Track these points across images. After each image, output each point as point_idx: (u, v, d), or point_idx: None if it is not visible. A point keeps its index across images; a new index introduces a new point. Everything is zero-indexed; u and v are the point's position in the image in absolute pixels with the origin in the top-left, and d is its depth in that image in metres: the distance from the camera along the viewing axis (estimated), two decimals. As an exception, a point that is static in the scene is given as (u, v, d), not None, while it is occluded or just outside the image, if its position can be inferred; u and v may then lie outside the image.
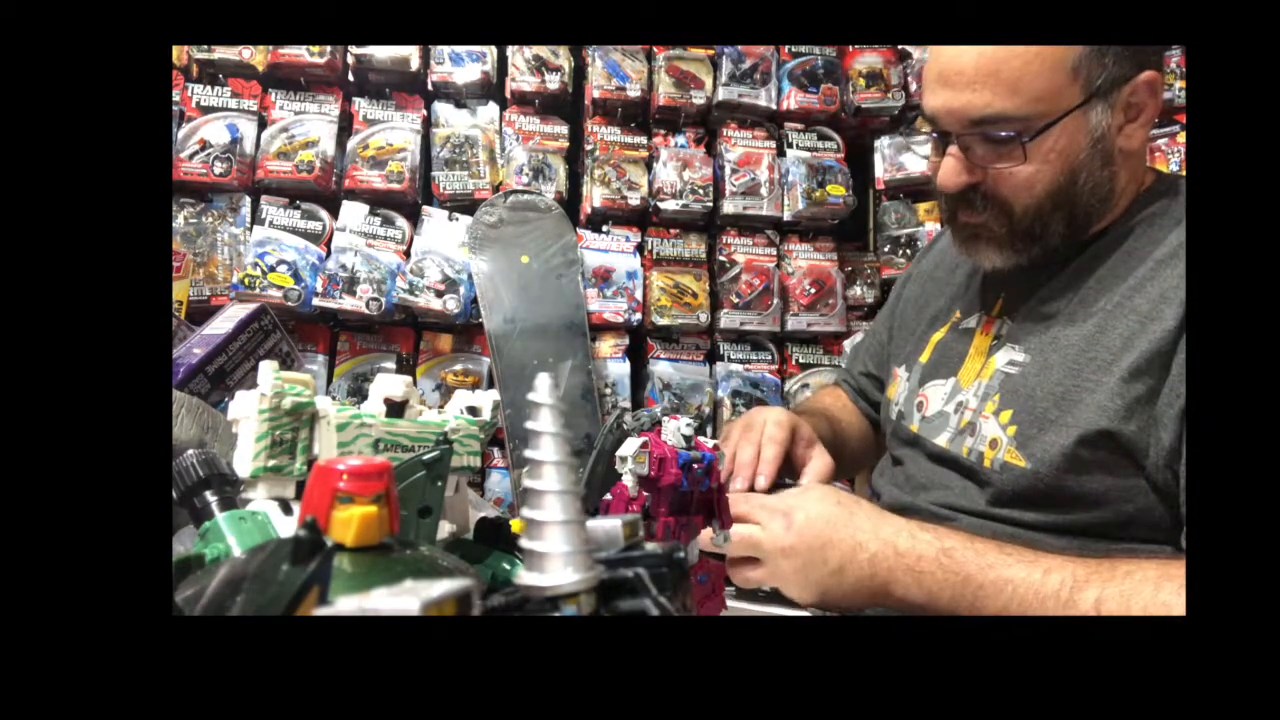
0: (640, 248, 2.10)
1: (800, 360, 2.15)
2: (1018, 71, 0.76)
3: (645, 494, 0.81)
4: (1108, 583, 0.63)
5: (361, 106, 2.03)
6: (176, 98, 1.94)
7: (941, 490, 0.87)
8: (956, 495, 0.85)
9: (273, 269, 1.88)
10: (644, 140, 2.12)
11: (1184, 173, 1.79)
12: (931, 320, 0.99)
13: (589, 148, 2.11)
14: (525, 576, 0.35)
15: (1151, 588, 0.62)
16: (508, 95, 2.09)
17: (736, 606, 0.91)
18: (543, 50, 2.06)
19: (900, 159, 2.19)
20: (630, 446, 0.81)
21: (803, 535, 0.71)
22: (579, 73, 2.13)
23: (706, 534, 0.90)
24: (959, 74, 0.79)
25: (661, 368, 2.09)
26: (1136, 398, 0.70)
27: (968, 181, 0.80)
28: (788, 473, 0.92)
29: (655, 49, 2.11)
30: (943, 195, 0.84)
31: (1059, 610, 0.64)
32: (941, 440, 0.88)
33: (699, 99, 2.10)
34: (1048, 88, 0.75)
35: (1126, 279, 0.76)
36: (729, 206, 2.09)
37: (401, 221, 2.01)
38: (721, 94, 2.10)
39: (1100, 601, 0.63)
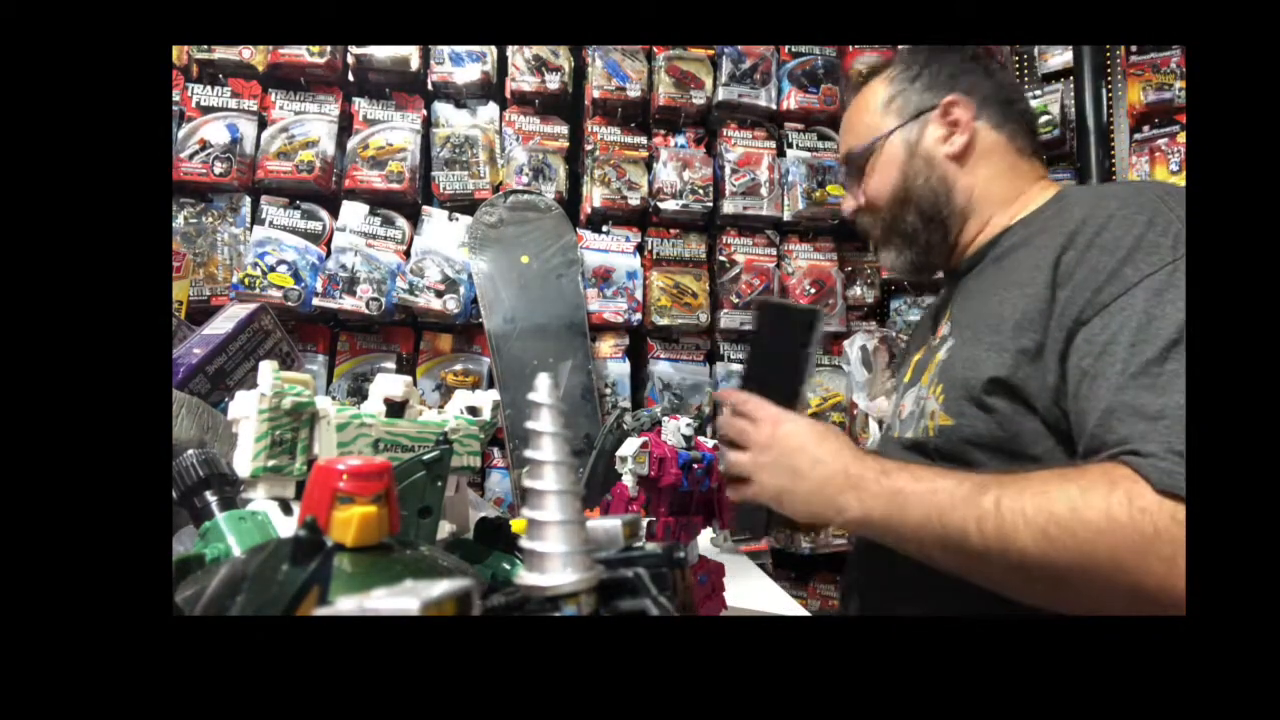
0: (640, 248, 2.10)
1: (800, 360, 2.15)
2: (855, 118, 1.09)
3: (645, 493, 0.81)
4: (1006, 486, 0.74)
5: (361, 106, 2.03)
6: (176, 98, 1.94)
7: None
8: None
9: (273, 269, 1.88)
10: (644, 140, 2.12)
11: (1184, 176, 1.80)
12: (914, 348, 1.15)
13: (589, 148, 2.11)
14: (525, 576, 0.35)
15: (1039, 483, 0.73)
16: (508, 95, 2.09)
17: (736, 608, 0.91)
18: (543, 50, 2.06)
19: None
20: (630, 446, 0.81)
21: (780, 440, 0.86)
22: (579, 73, 2.13)
23: (707, 534, 0.90)
24: (839, 134, 1.14)
25: (661, 368, 2.09)
26: (1021, 349, 0.84)
27: (853, 206, 1.10)
28: None
29: (655, 49, 2.11)
30: (855, 226, 1.13)
31: (965, 508, 0.75)
32: (909, 433, 1.01)
33: (699, 99, 2.10)
34: (871, 123, 1.06)
35: (1021, 264, 0.93)
36: (729, 206, 2.09)
37: (401, 221, 2.01)
38: (721, 94, 2.10)
39: (999, 499, 0.74)
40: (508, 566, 0.60)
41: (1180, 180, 1.81)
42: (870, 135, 1.06)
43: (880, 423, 1.95)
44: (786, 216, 2.13)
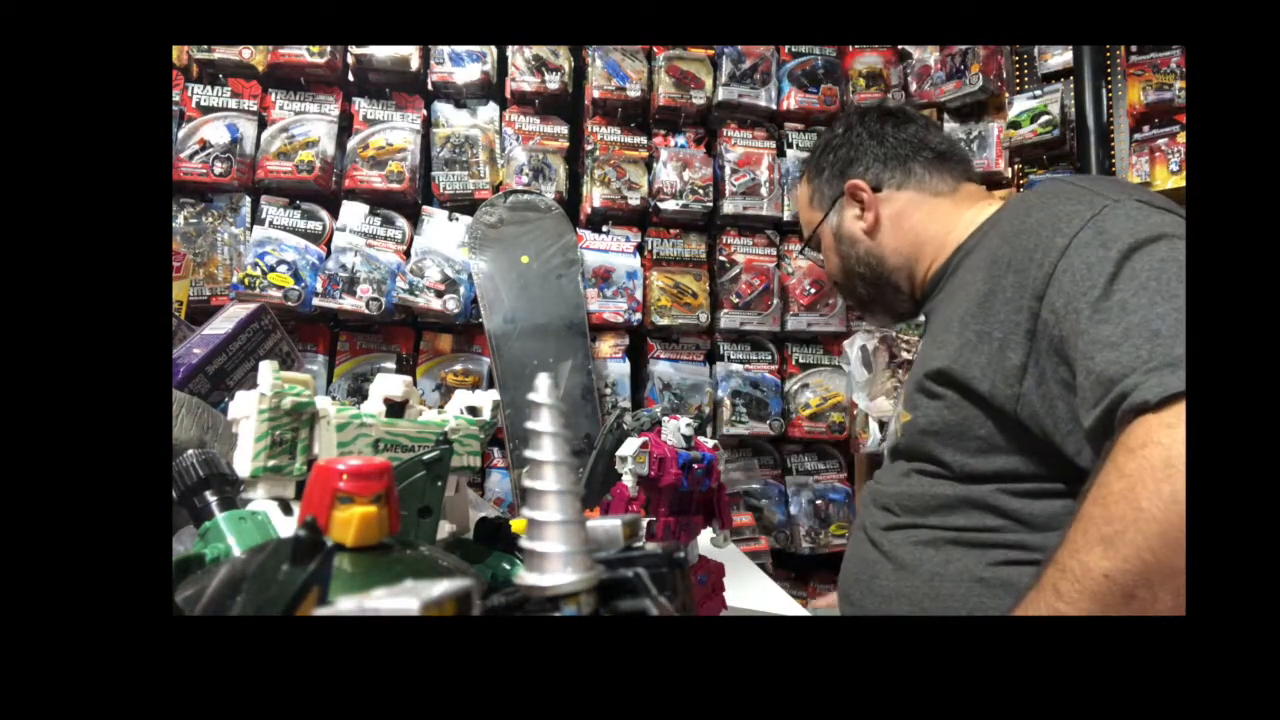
0: (640, 248, 2.10)
1: (800, 360, 2.15)
2: (800, 215, 1.30)
3: (645, 493, 0.81)
4: (1049, 561, 0.75)
5: (361, 106, 2.03)
6: (176, 98, 1.94)
7: (887, 474, 1.06)
8: (891, 471, 1.05)
9: (273, 269, 1.88)
10: (644, 140, 2.12)
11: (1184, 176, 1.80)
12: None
13: (589, 148, 2.11)
14: (525, 576, 0.35)
15: (1072, 526, 0.73)
16: (508, 95, 2.09)
17: (736, 608, 0.91)
18: (543, 50, 2.06)
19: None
20: (630, 446, 0.81)
21: None
22: (579, 73, 2.13)
23: (707, 534, 0.90)
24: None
25: (661, 368, 2.09)
26: (965, 342, 0.92)
27: (828, 281, 1.36)
28: None
29: (655, 49, 2.11)
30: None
31: (1037, 601, 0.75)
32: (890, 443, 1.09)
33: (699, 99, 2.10)
34: (807, 219, 1.27)
35: (967, 272, 1.02)
36: (729, 206, 2.09)
37: (401, 221, 2.01)
38: (721, 94, 2.10)
39: (1050, 568, 0.74)
40: (508, 566, 0.60)
41: (1180, 180, 1.81)
42: (808, 229, 1.25)
43: (880, 423, 1.96)
44: (786, 216, 2.13)
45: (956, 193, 1.13)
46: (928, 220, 1.12)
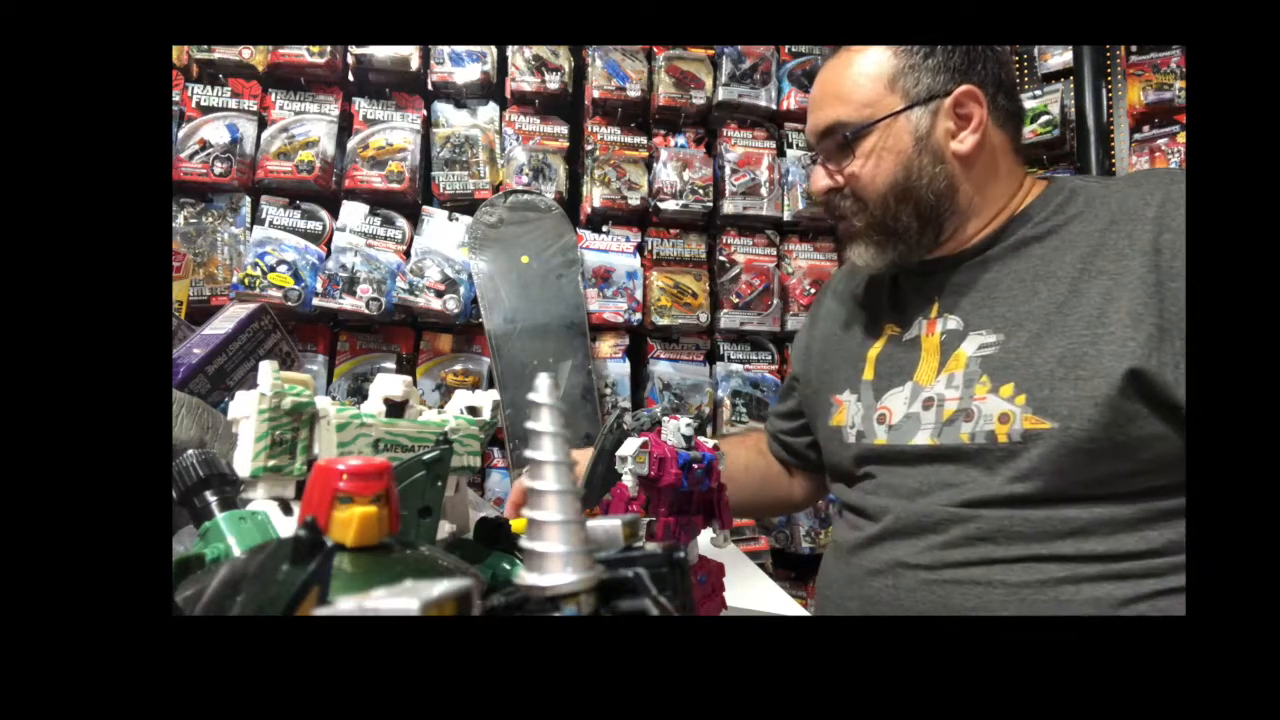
0: (640, 248, 2.10)
1: (800, 360, 2.15)
2: (846, 86, 0.93)
3: (645, 493, 0.81)
4: None
5: (361, 106, 2.03)
6: (176, 98, 1.94)
7: (949, 490, 0.86)
8: (970, 489, 0.84)
9: (273, 269, 1.88)
10: (644, 140, 2.12)
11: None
12: (861, 342, 1.02)
13: (589, 148, 2.11)
14: (525, 576, 0.35)
15: None
16: (508, 95, 2.09)
17: (736, 608, 0.91)
18: (543, 50, 2.06)
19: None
20: (630, 446, 0.81)
21: None
22: (579, 73, 2.13)
23: (707, 534, 0.90)
24: (812, 99, 0.98)
25: (661, 368, 2.09)
26: (1148, 335, 0.78)
27: (829, 185, 0.96)
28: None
29: (655, 49, 2.11)
30: (823, 206, 0.99)
31: None
32: (922, 439, 0.89)
33: (699, 99, 2.10)
34: (869, 97, 0.91)
35: (1073, 253, 0.86)
36: (729, 206, 2.09)
37: (401, 221, 2.01)
38: (721, 94, 2.10)
39: None
40: (508, 566, 0.60)
41: (1180, 180, 1.81)
42: (868, 111, 0.91)
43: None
44: (786, 216, 2.13)
45: (1021, 157, 0.97)
46: (1008, 176, 0.94)
